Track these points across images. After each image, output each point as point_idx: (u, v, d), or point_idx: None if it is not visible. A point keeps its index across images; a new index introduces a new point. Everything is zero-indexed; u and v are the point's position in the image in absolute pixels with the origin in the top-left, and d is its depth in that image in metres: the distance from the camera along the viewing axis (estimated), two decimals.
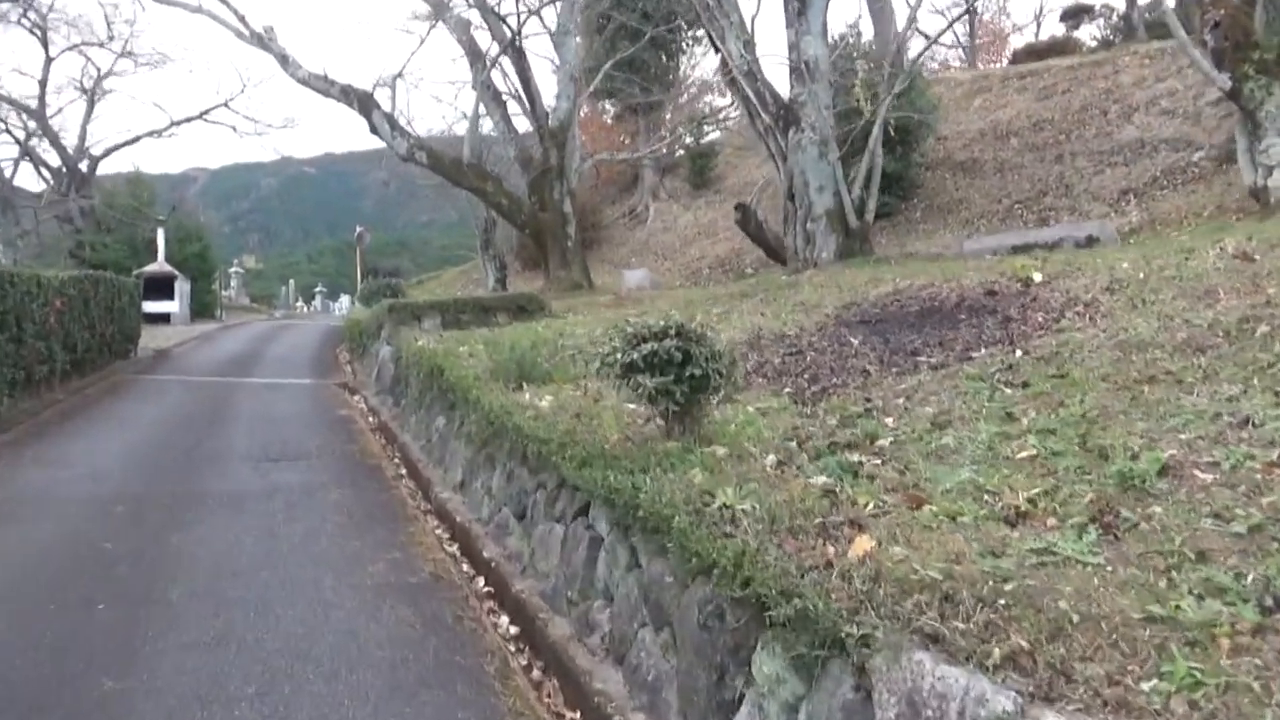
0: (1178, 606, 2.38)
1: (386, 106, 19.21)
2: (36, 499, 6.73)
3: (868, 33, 21.11)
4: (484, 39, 20.82)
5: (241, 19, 19.23)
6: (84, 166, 30.71)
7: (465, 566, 5.97)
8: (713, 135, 30.07)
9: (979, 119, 22.85)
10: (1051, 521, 3.19)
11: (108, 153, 31.28)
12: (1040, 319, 5.74)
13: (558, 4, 19.79)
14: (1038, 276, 6.56)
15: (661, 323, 4.65)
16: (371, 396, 13.16)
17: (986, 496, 3.52)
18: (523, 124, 21.65)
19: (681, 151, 31.20)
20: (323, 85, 18.87)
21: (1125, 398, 4.28)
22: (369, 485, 7.65)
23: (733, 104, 31.35)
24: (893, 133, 13.71)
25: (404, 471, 8.86)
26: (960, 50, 33.86)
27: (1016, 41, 37.46)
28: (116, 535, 5.77)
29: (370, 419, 11.76)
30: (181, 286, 27.98)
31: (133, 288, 16.90)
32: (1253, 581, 2.49)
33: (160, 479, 7.46)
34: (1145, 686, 2.09)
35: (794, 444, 4.71)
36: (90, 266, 22.57)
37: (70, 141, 30.27)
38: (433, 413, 9.41)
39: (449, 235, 75.35)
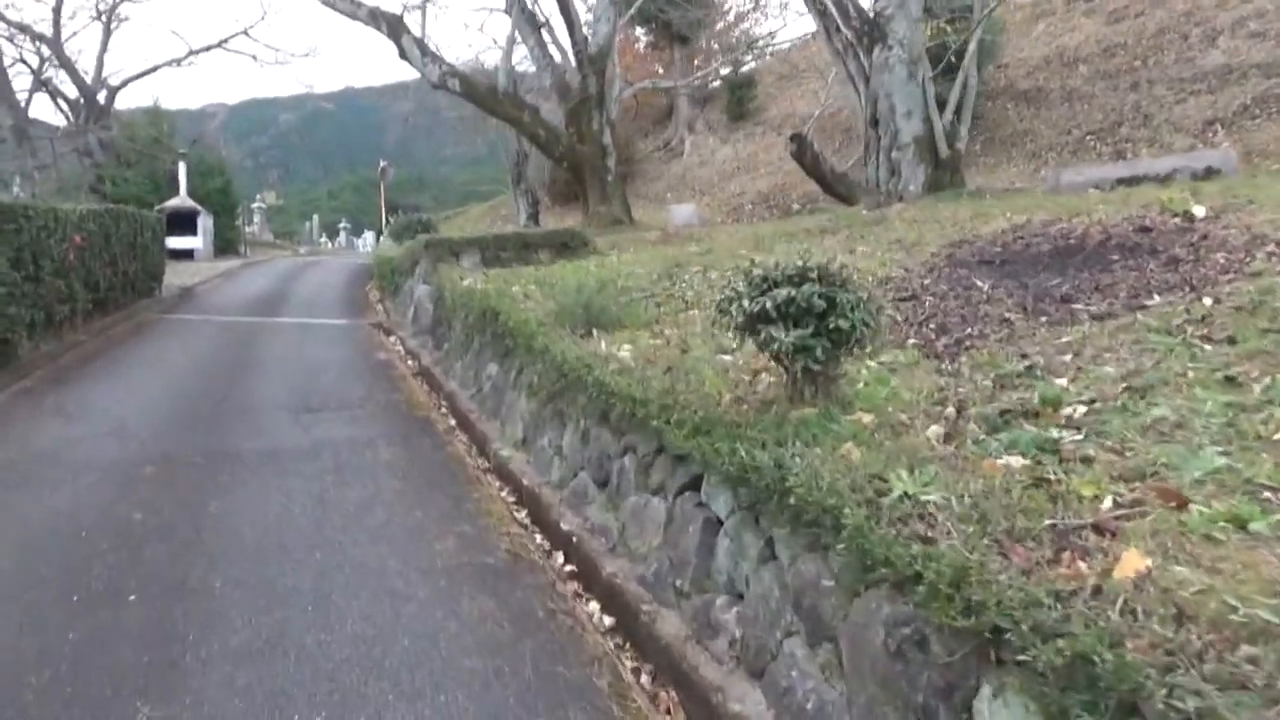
0: None
1: (416, 31, 18.11)
2: (55, 458, 6.04)
3: None
4: None
5: None
6: (101, 98, 29.77)
7: (540, 538, 5.26)
8: (752, 64, 28.66)
9: (1043, 45, 21.45)
10: None
11: (125, 83, 30.48)
12: (1222, 260, 4.85)
13: None
14: (1200, 211, 5.64)
15: (799, 262, 3.82)
16: (409, 338, 12.44)
17: (1267, 494, 2.70)
18: (557, 52, 20.49)
19: (718, 82, 29.87)
20: (349, 7, 17.77)
21: None
22: (421, 441, 6.93)
23: (770, 35, 29.96)
24: (953, 58, 12.60)
25: (454, 423, 8.14)
26: None
27: None
28: (146, 504, 5.08)
29: (410, 363, 11.04)
30: (205, 222, 27.25)
31: (155, 223, 16.15)
32: None
33: (192, 434, 6.76)
34: None
35: (952, 410, 3.91)
36: (111, 201, 21.85)
37: (87, 72, 29.35)
38: (483, 359, 8.66)
39: (469, 171, 74.18)
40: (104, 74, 29.78)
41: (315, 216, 53.96)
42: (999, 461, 3.24)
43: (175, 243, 24.72)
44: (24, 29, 26.72)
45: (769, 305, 3.72)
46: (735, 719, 3.27)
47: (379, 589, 4.00)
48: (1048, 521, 2.68)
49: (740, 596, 3.67)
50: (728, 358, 5.41)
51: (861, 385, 4.40)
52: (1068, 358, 4.37)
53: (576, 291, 6.81)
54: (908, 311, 5.68)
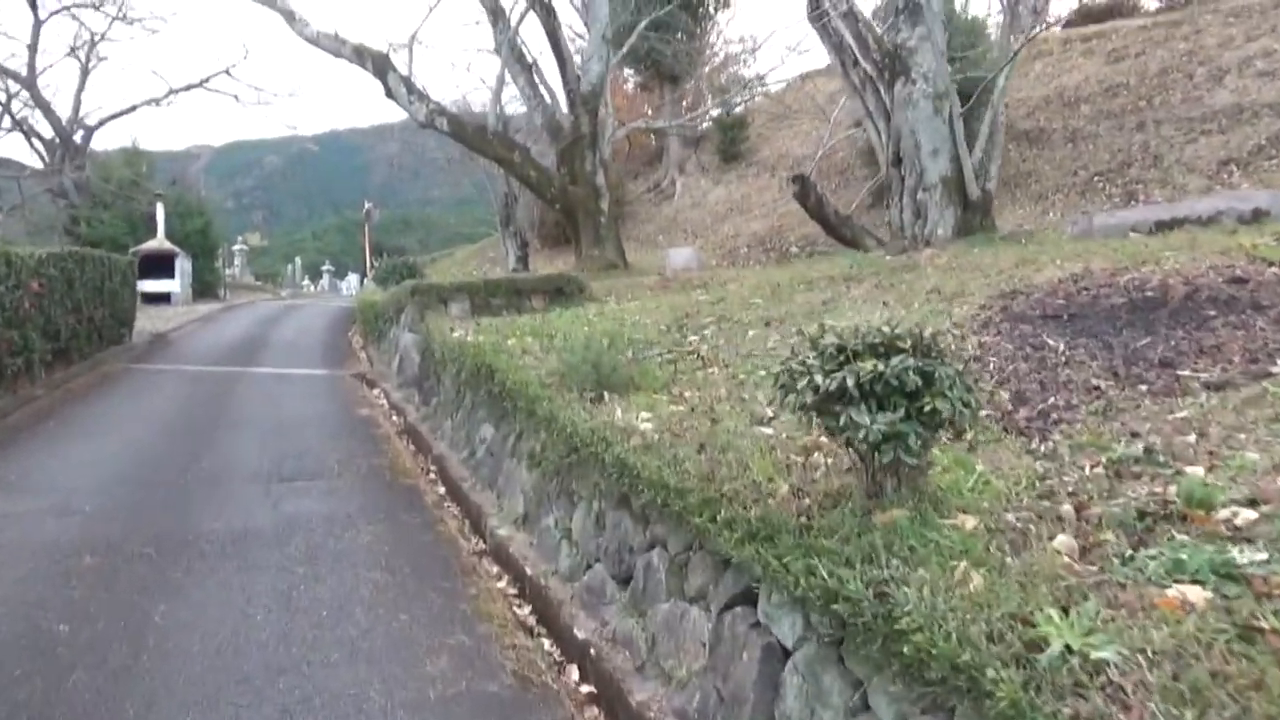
0: None
1: (403, 70, 17.52)
2: None
3: None
4: None
5: None
6: (78, 138, 29.02)
7: (549, 646, 4.44)
8: (744, 105, 28.29)
9: (1041, 85, 21.10)
10: None
11: (103, 122, 29.56)
12: None
13: None
14: None
15: (885, 329, 3.08)
16: (394, 391, 11.63)
17: None
18: (546, 92, 19.94)
19: (708, 122, 29.47)
20: (333, 45, 17.18)
21: None
22: (408, 517, 6.11)
23: (759, 78, 29.64)
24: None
25: (444, 491, 7.34)
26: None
27: (1059, 7, 35.64)
28: (78, 610, 4.24)
29: (395, 419, 10.23)
30: (182, 264, 26.42)
31: (126, 266, 15.33)
32: None
33: (146, 512, 5.91)
34: None
35: (1069, 509, 3.16)
36: (86, 243, 21.04)
37: (64, 112, 28.61)
38: (476, 419, 7.87)
39: (455, 213, 73.83)
40: (81, 113, 29.07)
41: (298, 259, 53.14)
42: (1170, 593, 2.48)
43: (151, 286, 23.89)
44: None
45: (850, 382, 2.97)
46: None
47: None
48: None
49: None
50: (766, 430, 4.66)
51: (939, 470, 3.65)
52: (1190, 438, 3.64)
53: (585, 348, 6.04)
54: (973, 375, 4.95)
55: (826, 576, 2.77)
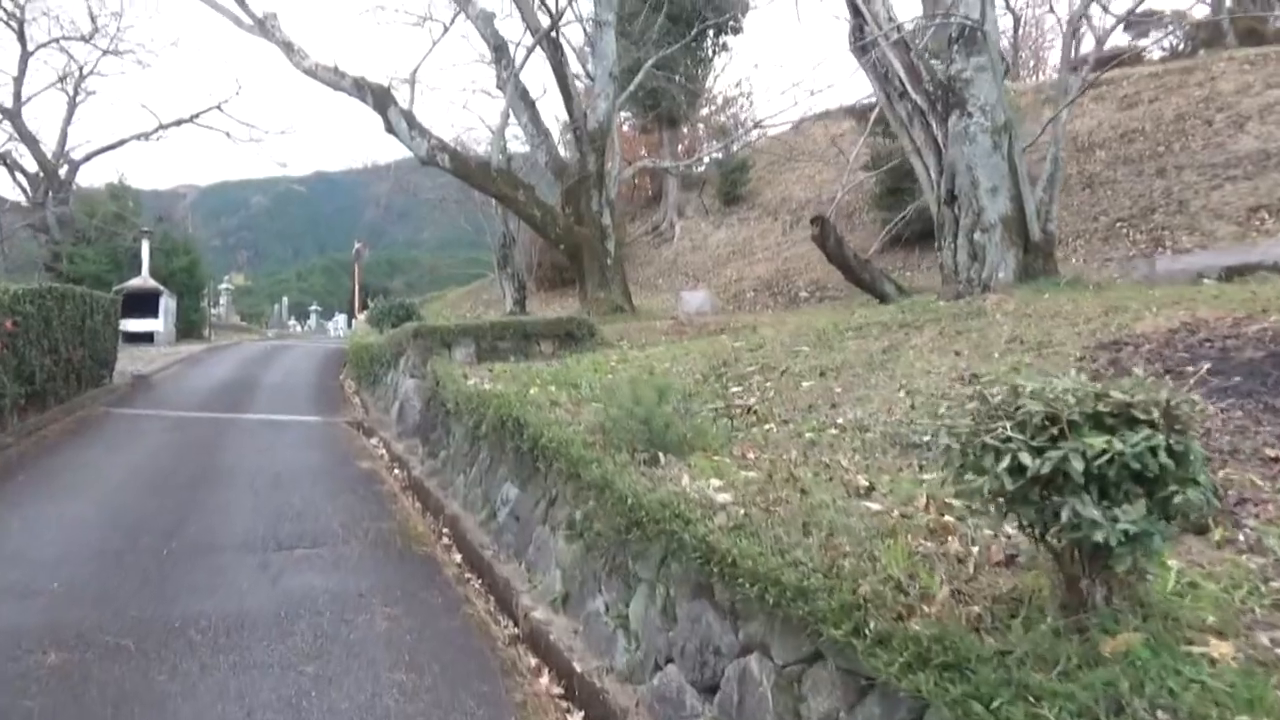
0: None
1: (404, 105, 16.93)
2: None
3: None
4: (510, 31, 18.67)
5: (241, 2, 16.94)
6: (63, 172, 28.26)
7: None
8: (747, 146, 27.92)
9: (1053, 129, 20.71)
10: None
11: (89, 157, 28.79)
12: None
13: None
14: None
15: (1120, 394, 2.37)
16: (394, 441, 10.82)
17: None
18: (551, 126, 19.43)
19: (705, 164, 29.13)
20: (332, 78, 16.57)
21: None
22: (428, 596, 5.29)
23: (757, 124, 29.27)
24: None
25: (460, 558, 6.54)
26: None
27: (1053, 57, 35.63)
28: None
29: (398, 473, 9.42)
30: (167, 303, 25.56)
31: (109, 304, 14.49)
32: None
33: (124, 590, 5.07)
34: None
35: None
36: (68, 280, 20.18)
37: (49, 146, 27.86)
38: (495, 477, 7.09)
39: (442, 254, 73.44)
40: (67, 147, 28.33)
41: (285, 298, 52.27)
42: None
43: (134, 325, 23.04)
44: None
45: (1076, 466, 2.24)
46: None
47: None
48: None
49: None
50: (871, 505, 3.92)
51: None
52: None
53: (633, 401, 5.28)
54: None
55: None
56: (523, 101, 18.16)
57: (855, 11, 9.03)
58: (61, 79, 27.08)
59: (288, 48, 16.93)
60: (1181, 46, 24.61)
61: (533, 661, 4.67)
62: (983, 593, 2.89)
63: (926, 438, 5.08)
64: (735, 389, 7.16)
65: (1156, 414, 2.30)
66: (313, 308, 50.49)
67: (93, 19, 26.85)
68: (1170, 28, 23.04)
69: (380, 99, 16.28)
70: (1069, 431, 2.36)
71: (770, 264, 23.03)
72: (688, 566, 3.90)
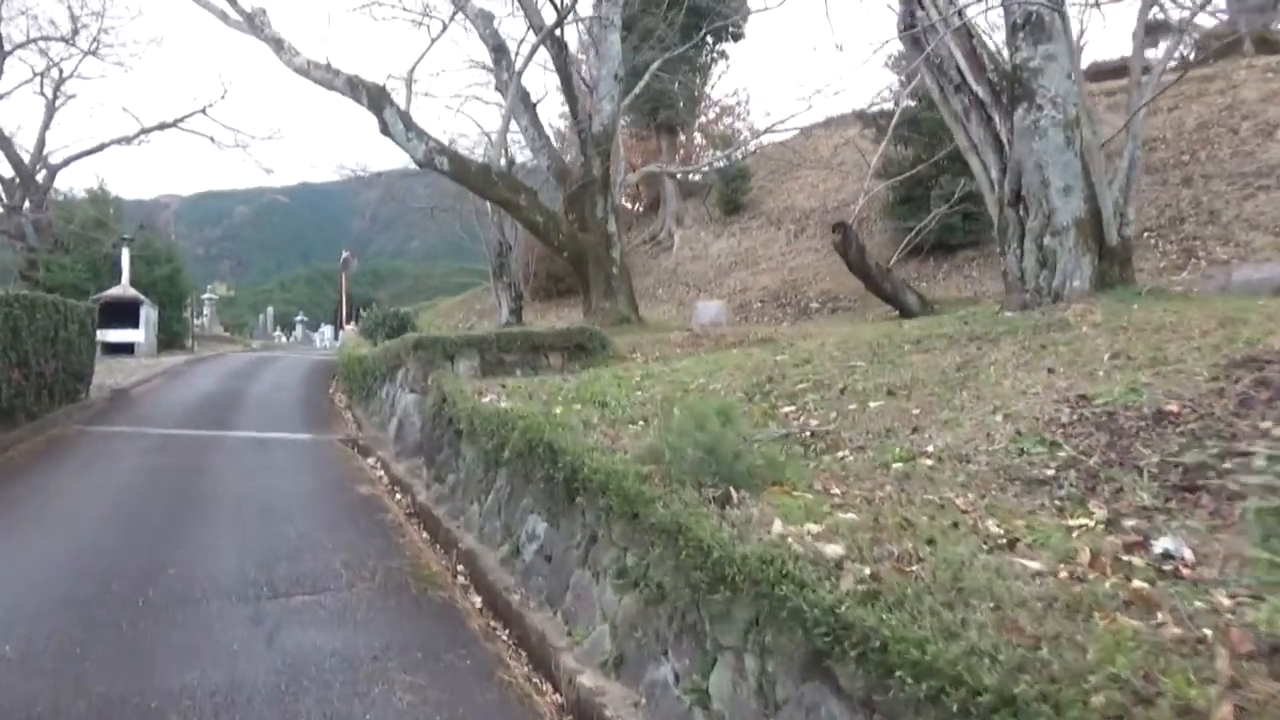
0: None
1: (400, 105, 16.11)
2: None
3: None
4: (508, 32, 17.94)
5: None
6: (41, 177, 27.26)
7: None
8: (750, 154, 27.25)
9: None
10: None
11: (68, 161, 27.75)
12: None
13: None
14: None
15: None
16: (394, 462, 10.00)
17: None
18: (553, 132, 18.67)
19: (709, 170, 28.47)
20: (325, 76, 15.74)
21: None
22: (455, 658, 4.47)
23: (758, 133, 28.57)
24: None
25: (480, 602, 5.72)
26: None
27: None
28: None
29: (400, 498, 8.61)
30: (148, 313, 24.58)
31: (85, 314, 13.59)
32: None
33: (91, 655, 4.22)
34: None
35: None
36: (44, 289, 19.23)
37: (26, 149, 26.85)
38: (517, 506, 6.27)
39: (428, 264, 72.62)
40: (45, 151, 27.33)
41: (270, 309, 51.18)
42: None
43: (113, 336, 22.11)
44: None
45: None
46: None
47: None
48: None
49: None
50: (1030, 563, 3.14)
51: None
52: None
53: (699, 429, 4.49)
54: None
55: None
56: (524, 104, 17.39)
57: None
58: (39, 75, 26.10)
59: (277, 44, 16.10)
60: (1193, 56, 24.10)
61: None
62: (1262, 703, 2.12)
63: (1050, 472, 4.36)
64: (787, 408, 6.37)
65: None
66: (298, 318, 49.41)
67: (73, 19, 25.89)
68: (1184, 35, 22.53)
69: (375, 99, 15.47)
70: None
71: (776, 274, 22.32)
72: (797, 639, 3.12)
